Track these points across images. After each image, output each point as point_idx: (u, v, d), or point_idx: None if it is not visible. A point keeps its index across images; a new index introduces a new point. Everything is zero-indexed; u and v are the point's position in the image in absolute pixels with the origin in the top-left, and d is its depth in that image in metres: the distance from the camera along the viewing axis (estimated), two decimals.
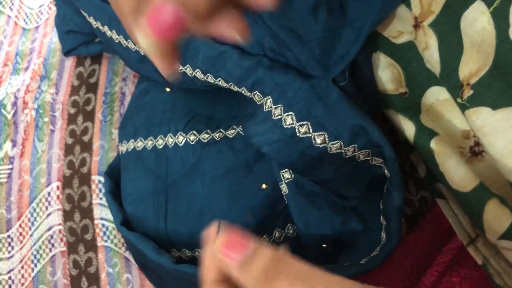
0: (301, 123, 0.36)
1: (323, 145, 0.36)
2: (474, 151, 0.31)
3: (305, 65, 0.36)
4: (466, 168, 0.32)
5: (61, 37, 0.56)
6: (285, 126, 0.37)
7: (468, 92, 0.28)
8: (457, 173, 0.33)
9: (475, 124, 0.28)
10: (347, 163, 0.36)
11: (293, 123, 0.36)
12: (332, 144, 0.36)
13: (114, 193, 0.47)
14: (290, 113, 0.37)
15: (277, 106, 0.37)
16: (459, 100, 0.29)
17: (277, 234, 0.42)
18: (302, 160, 0.37)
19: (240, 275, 0.24)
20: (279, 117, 0.37)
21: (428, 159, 0.35)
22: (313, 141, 0.36)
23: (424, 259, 0.40)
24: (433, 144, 0.34)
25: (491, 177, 0.31)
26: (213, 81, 0.39)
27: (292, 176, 0.40)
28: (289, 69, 0.37)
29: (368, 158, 0.36)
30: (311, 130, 0.36)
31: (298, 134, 0.36)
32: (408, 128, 0.36)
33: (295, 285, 0.23)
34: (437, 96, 0.32)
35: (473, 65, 0.28)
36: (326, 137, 0.36)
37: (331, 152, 0.36)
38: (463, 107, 0.29)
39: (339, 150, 0.36)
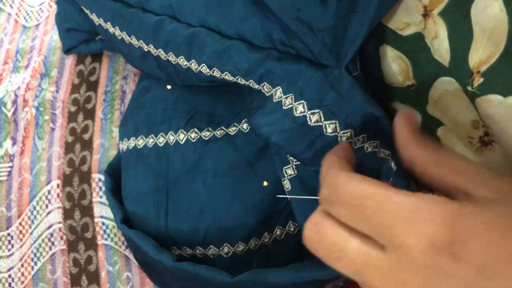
0: (312, 111, 0.36)
1: (334, 134, 0.35)
2: (484, 141, 0.31)
3: (317, 55, 0.36)
4: (473, 156, 0.32)
5: (62, 35, 0.55)
6: (296, 115, 0.36)
7: (478, 80, 0.28)
8: None
9: (486, 112, 0.28)
10: (355, 154, 0.35)
11: (304, 112, 0.36)
12: (343, 133, 0.35)
13: (114, 191, 0.46)
14: (301, 101, 0.36)
15: (288, 95, 0.37)
16: (469, 88, 0.29)
17: (278, 232, 0.42)
18: (312, 149, 0.37)
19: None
20: (289, 106, 0.36)
21: None
22: (324, 130, 0.35)
23: None
24: (440, 132, 0.34)
25: (500, 167, 0.31)
26: (219, 75, 0.38)
27: (296, 172, 0.40)
28: (299, 59, 0.37)
29: (376, 149, 0.36)
30: (322, 119, 0.35)
31: (309, 123, 0.36)
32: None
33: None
34: (446, 87, 0.32)
35: (483, 52, 0.27)
36: (338, 125, 0.35)
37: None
38: (473, 96, 0.28)
39: (350, 140, 0.35)
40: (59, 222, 0.50)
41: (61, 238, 0.49)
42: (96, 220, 0.50)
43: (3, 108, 0.56)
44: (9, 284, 0.49)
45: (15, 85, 0.57)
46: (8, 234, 0.51)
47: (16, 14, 0.62)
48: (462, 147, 0.33)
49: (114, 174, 0.48)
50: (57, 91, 0.56)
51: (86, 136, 0.53)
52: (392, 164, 0.36)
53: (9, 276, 0.49)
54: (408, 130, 0.27)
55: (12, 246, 0.50)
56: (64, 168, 0.52)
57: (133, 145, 0.45)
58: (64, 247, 0.49)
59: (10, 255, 0.50)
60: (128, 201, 0.45)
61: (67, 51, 0.56)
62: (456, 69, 0.30)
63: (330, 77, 0.36)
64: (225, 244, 0.41)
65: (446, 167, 0.25)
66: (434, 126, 0.35)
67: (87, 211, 0.50)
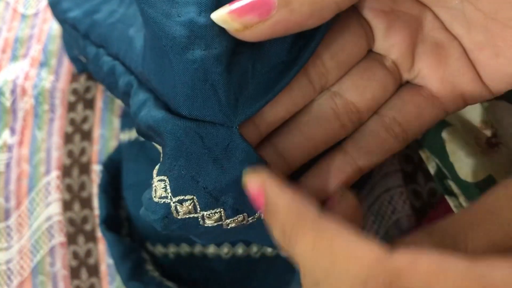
0: (180, 198, 0.24)
1: (217, 223, 0.25)
2: (491, 143, 0.30)
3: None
4: (477, 159, 0.32)
5: (70, 58, 0.54)
6: (155, 200, 0.24)
7: None
8: (468, 164, 0.32)
9: (495, 116, 0.28)
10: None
11: (167, 196, 0.24)
12: (231, 220, 0.25)
13: (109, 186, 0.46)
14: (163, 178, 0.24)
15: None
16: None
17: None
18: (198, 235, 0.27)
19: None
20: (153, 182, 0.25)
21: (438, 149, 0.34)
22: (201, 221, 0.24)
23: None
24: (445, 133, 0.33)
25: (504, 169, 0.31)
26: None
27: None
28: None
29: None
30: (198, 208, 0.24)
31: (176, 216, 0.24)
32: None
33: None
34: None
35: None
36: (223, 214, 0.24)
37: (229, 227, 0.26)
38: None
39: (242, 223, 0.26)
40: (59, 214, 0.49)
41: (61, 230, 0.49)
42: (96, 212, 0.49)
43: (1, 98, 0.55)
44: (8, 277, 0.48)
45: (13, 74, 0.56)
46: (7, 226, 0.50)
47: (15, 2, 0.61)
48: (467, 148, 0.32)
49: (113, 167, 0.48)
50: (56, 81, 0.55)
51: (86, 127, 0.52)
52: None
53: (8, 268, 0.49)
54: None
55: (11, 238, 0.50)
56: (63, 159, 0.51)
57: (135, 136, 0.45)
58: (64, 239, 0.48)
59: (9, 247, 0.49)
60: (129, 194, 0.45)
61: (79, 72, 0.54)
62: None
63: (209, 140, 0.24)
64: (225, 243, 0.40)
65: None
66: (439, 127, 0.34)
67: (87, 203, 0.49)
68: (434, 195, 0.43)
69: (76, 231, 0.49)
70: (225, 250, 0.40)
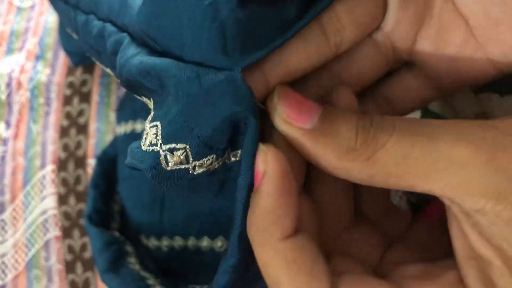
0: (171, 146, 0.22)
1: (207, 169, 0.23)
2: None
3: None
4: None
5: (67, 52, 0.54)
6: (143, 148, 0.22)
7: None
8: None
9: (487, 108, 0.28)
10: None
11: (156, 143, 0.22)
12: (216, 162, 0.23)
13: (102, 179, 0.46)
14: (155, 123, 0.22)
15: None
16: None
17: None
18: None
19: (316, 147, 0.21)
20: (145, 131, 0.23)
21: None
22: (191, 171, 0.22)
23: None
24: None
25: None
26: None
27: None
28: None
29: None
30: (190, 159, 0.22)
31: (165, 166, 0.22)
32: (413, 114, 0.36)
33: (402, 141, 0.20)
34: None
35: None
36: (214, 159, 0.23)
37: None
38: (476, 91, 0.28)
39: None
40: (54, 208, 0.49)
41: (56, 224, 0.48)
42: None
43: None
44: (3, 271, 0.48)
45: (9, 67, 0.55)
46: (2, 220, 0.50)
47: None
48: None
49: (107, 161, 0.47)
50: (52, 74, 0.54)
51: (81, 120, 0.52)
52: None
53: (3, 262, 0.48)
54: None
55: (6, 232, 0.49)
56: (59, 152, 0.51)
57: (130, 129, 0.44)
58: (59, 233, 0.48)
59: (4, 241, 0.49)
60: (123, 187, 0.44)
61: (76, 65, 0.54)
62: None
63: (209, 83, 0.22)
64: (219, 236, 0.40)
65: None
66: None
67: (82, 197, 0.49)
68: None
69: (71, 225, 0.48)
70: (219, 243, 0.40)
